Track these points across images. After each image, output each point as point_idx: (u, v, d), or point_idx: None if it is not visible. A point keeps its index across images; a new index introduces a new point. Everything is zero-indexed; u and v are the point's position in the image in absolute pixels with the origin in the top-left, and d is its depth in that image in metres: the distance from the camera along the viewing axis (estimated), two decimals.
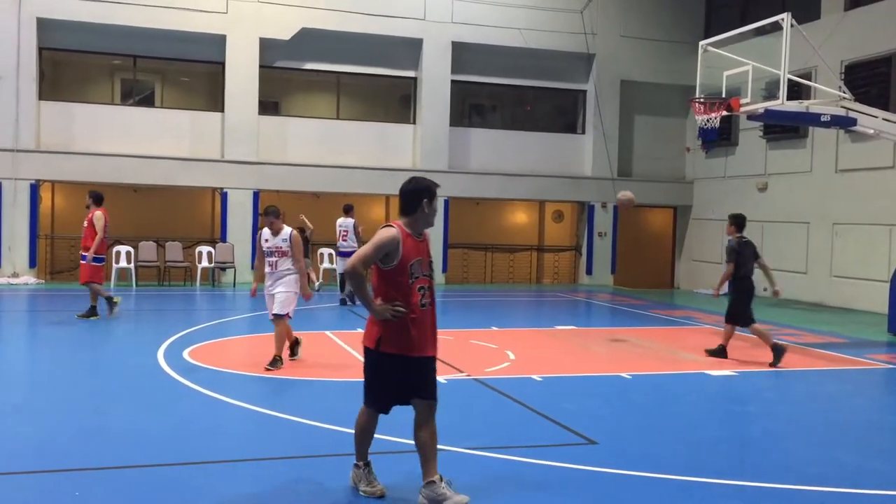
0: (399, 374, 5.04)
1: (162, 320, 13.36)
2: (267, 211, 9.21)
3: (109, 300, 12.95)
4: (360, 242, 15.76)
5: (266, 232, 9.18)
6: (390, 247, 4.91)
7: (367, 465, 5.26)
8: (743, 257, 10.56)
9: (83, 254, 12.66)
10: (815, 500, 5.41)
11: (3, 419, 6.93)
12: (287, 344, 9.44)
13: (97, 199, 12.83)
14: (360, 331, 12.51)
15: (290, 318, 9.22)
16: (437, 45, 20.83)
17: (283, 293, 9.10)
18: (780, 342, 10.44)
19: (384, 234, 4.93)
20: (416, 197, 5.04)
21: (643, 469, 5.77)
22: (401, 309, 4.92)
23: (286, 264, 9.11)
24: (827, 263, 18.46)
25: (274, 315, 9.15)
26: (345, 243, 15.75)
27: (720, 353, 10.70)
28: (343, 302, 15.75)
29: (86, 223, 12.67)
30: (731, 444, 6.80)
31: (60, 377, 8.50)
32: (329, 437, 6.51)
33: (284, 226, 9.15)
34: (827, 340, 12.82)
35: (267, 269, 9.21)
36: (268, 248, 9.15)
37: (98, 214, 12.53)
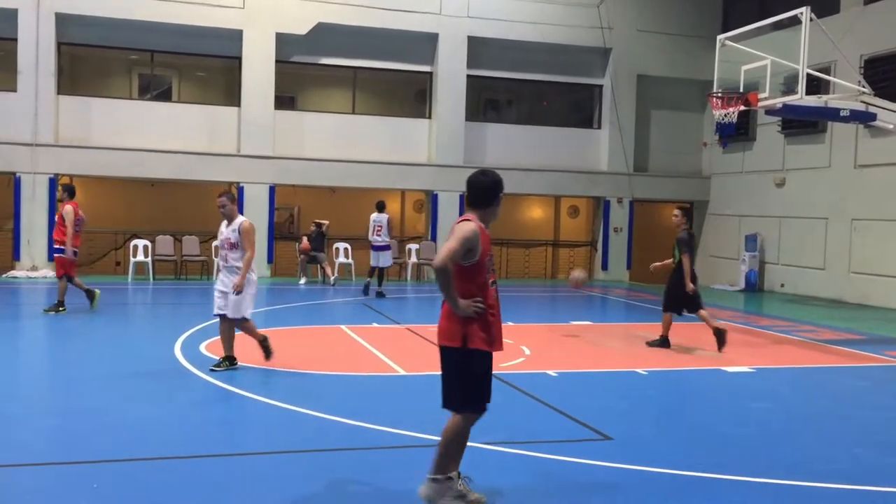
0: (487, 370, 4.93)
1: (179, 314, 13.44)
2: (220, 194, 8.56)
3: (89, 293, 12.97)
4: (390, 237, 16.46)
5: (224, 223, 8.54)
6: (474, 241, 4.74)
7: (459, 475, 4.96)
8: (691, 245, 10.90)
9: (57, 247, 12.62)
10: (835, 498, 5.38)
11: (22, 412, 6.99)
12: (240, 344, 8.67)
13: (70, 192, 12.73)
14: (376, 325, 12.60)
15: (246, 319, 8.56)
16: (453, 40, 20.79)
17: (237, 295, 8.36)
18: (722, 326, 10.82)
19: (466, 228, 4.74)
20: (494, 189, 4.91)
21: (659, 465, 5.75)
22: (481, 305, 4.80)
23: (236, 257, 8.41)
24: (845, 259, 18.31)
25: (224, 316, 8.46)
26: (379, 238, 16.19)
27: (663, 343, 10.89)
28: (380, 294, 16.13)
29: (57, 217, 12.67)
30: (749, 440, 6.76)
31: (78, 370, 8.57)
32: (345, 431, 6.53)
33: (239, 214, 8.53)
34: (845, 337, 12.72)
35: (220, 264, 8.65)
36: (220, 240, 8.56)
37: (68, 209, 12.35)
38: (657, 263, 11.51)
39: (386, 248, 16.40)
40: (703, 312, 10.77)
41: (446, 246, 4.70)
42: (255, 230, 8.58)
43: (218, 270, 9.03)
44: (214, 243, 9.04)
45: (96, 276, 17.88)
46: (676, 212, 11.05)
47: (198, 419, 6.94)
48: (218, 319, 8.67)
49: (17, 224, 18.59)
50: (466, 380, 4.87)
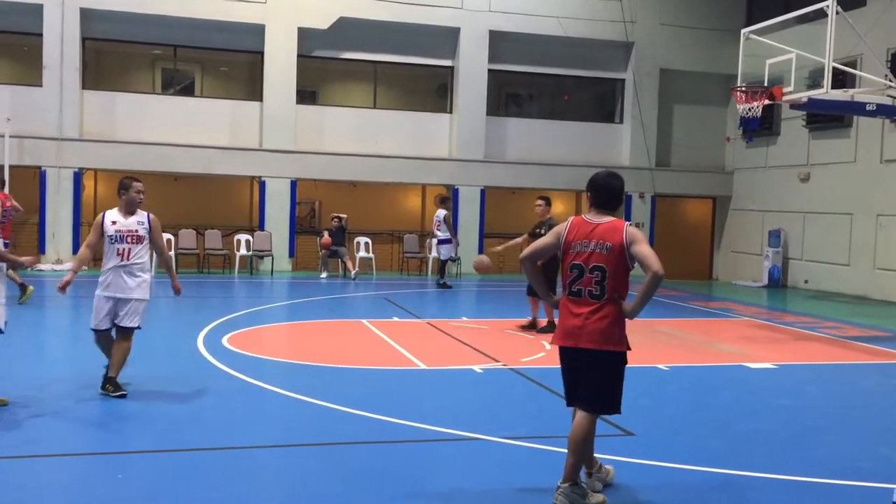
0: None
1: (201, 307, 13.53)
2: (123, 184, 7.22)
3: (22, 286, 13.08)
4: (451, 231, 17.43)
5: (113, 213, 7.18)
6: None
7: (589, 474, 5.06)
8: None
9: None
10: (859, 495, 5.33)
11: (46, 403, 7.07)
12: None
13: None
14: (397, 319, 12.62)
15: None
16: (475, 34, 20.74)
17: (140, 300, 7.17)
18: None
19: (638, 231, 4.88)
20: (623, 193, 5.07)
21: (681, 461, 5.73)
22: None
23: (142, 255, 7.18)
24: (871, 256, 18.10)
25: (122, 328, 7.18)
26: (437, 232, 17.48)
27: (533, 326, 11.22)
28: (445, 286, 17.09)
29: None
30: (772, 437, 6.71)
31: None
32: (366, 425, 6.54)
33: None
34: (870, 334, 12.58)
35: (111, 263, 7.10)
36: (116, 231, 7.08)
37: None
38: (502, 246, 12.28)
39: (441, 241, 17.55)
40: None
41: (652, 252, 4.76)
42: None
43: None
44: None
45: None
46: (539, 201, 11.45)
47: (220, 411, 6.98)
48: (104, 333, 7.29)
49: (42, 218, 18.80)
50: (621, 381, 4.93)
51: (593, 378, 4.83)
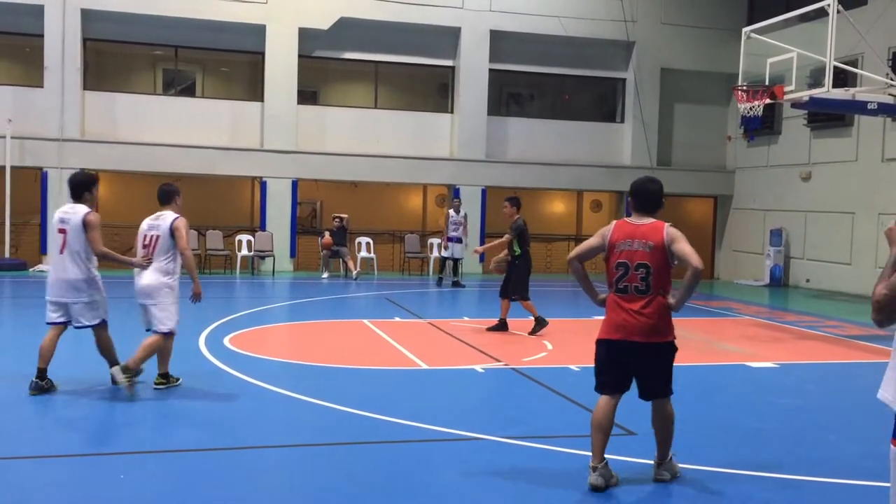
0: None
1: (202, 307, 13.50)
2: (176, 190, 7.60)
3: None
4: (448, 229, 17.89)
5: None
6: None
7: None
8: (527, 235, 11.13)
9: None
10: (860, 494, 5.33)
11: (49, 403, 7.08)
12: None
13: None
14: (398, 319, 12.61)
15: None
16: (476, 34, 20.75)
17: (169, 303, 7.40)
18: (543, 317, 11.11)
19: (678, 230, 5.29)
20: (661, 195, 5.39)
21: (683, 461, 5.72)
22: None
23: (166, 257, 7.39)
24: (872, 255, 18.08)
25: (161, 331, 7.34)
26: (456, 233, 17.96)
27: (502, 326, 11.26)
28: (454, 284, 17.70)
29: None
30: (774, 436, 6.71)
31: (101, 363, 8.65)
32: (368, 424, 6.55)
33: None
34: (871, 333, 12.56)
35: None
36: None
37: None
38: (486, 248, 12.60)
39: (458, 239, 18.06)
40: (530, 303, 11.19)
41: (692, 249, 5.24)
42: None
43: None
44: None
45: (121, 271, 18.04)
46: (506, 203, 11.45)
47: (222, 411, 6.98)
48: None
49: (43, 218, 18.78)
50: (672, 367, 5.36)
51: (655, 368, 5.28)
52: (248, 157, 19.80)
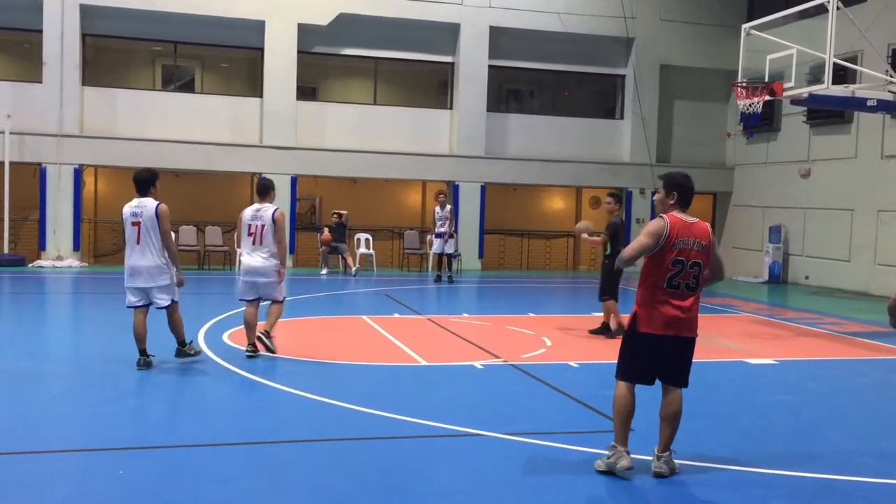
0: None
1: (202, 304, 13.53)
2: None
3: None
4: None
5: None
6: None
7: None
8: (621, 235, 10.59)
9: None
10: (859, 491, 5.33)
11: (49, 400, 7.09)
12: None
13: None
14: (398, 315, 12.62)
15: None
16: (475, 30, 20.72)
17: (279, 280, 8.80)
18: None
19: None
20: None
21: (683, 458, 5.73)
22: None
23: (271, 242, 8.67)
24: (871, 251, 18.10)
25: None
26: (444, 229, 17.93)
27: (604, 330, 10.76)
28: (450, 279, 17.73)
29: None
30: (773, 433, 6.72)
31: (104, 359, 8.66)
32: (367, 421, 6.55)
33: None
34: (871, 330, 12.58)
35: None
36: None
37: None
38: (592, 239, 10.84)
39: (438, 236, 18.04)
40: (613, 305, 10.70)
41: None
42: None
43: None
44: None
45: (121, 266, 18.05)
46: (609, 198, 10.84)
47: (221, 408, 6.99)
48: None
49: (42, 214, 18.80)
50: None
51: (687, 360, 5.55)
52: (247, 153, 19.78)
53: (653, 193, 21.99)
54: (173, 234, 8.29)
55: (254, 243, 8.55)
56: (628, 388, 5.46)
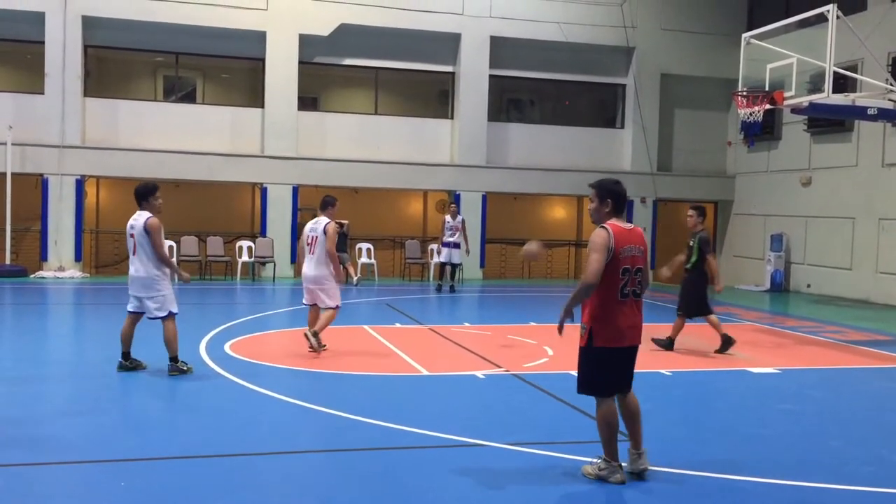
0: None
1: (203, 314, 13.53)
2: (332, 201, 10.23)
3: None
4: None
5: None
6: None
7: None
8: (708, 248, 10.35)
9: None
10: (861, 500, 5.32)
11: (49, 412, 7.08)
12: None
13: None
14: (399, 325, 12.61)
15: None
16: (476, 40, 20.78)
17: (332, 287, 9.84)
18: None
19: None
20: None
21: (684, 467, 5.72)
22: None
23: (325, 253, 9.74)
24: (872, 259, 18.09)
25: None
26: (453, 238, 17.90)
27: (669, 345, 10.52)
28: (451, 289, 17.82)
29: None
30: (776, 442, 6.70)
31: (104, 370, 8.66)
32: (369, 431, 6.54)
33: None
34: (873, 338, 12.57)
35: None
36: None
37: None
38: (667, 270, 10.58)
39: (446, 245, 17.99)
40: (713, 318, 10.52)
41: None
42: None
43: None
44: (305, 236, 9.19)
45: (122, 277, 18.06)
46: (691, 212, 10.51)
47: (222, 418, 6.98)
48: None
49: (44, 225, 18.82)
50: None
51: (633, 365, 5.61)
52: (248, 163, 19.82)
53: (654, 202, 22.21)
54: (172, 245, 8.41)
55: (311, 253, 9.68)
56: (611, 402, 5.48)
